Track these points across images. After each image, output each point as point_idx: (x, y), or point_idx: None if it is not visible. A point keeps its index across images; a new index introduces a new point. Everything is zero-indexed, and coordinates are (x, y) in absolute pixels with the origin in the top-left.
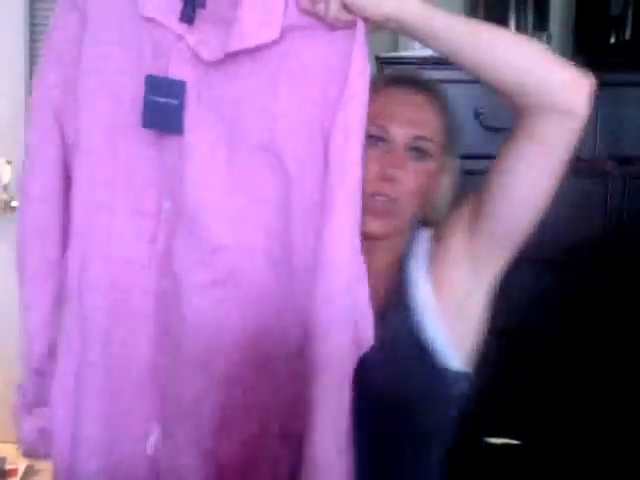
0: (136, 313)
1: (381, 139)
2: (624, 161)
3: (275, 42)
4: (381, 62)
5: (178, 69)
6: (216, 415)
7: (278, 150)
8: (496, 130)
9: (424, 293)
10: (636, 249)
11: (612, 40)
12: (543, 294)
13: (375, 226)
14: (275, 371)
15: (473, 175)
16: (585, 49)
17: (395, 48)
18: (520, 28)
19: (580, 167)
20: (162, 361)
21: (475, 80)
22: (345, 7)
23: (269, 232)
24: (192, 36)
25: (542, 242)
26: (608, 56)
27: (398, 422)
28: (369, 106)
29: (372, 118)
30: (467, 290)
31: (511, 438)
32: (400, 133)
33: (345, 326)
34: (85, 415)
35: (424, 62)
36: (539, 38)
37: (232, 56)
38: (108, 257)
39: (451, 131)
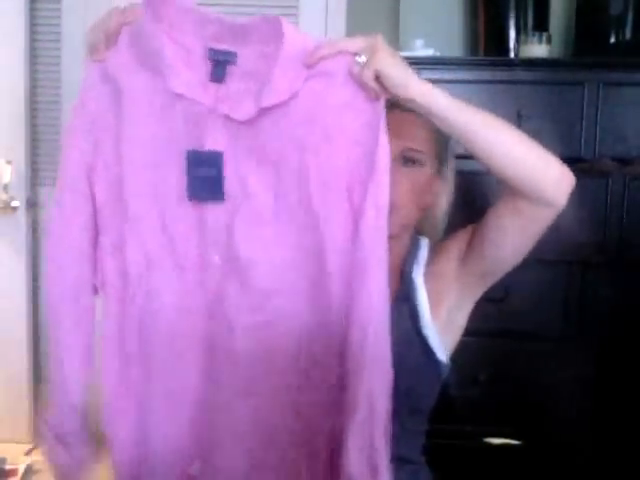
0: (187, 353)
1: None
2: (624, 161)
3: (298, 93)
4: None
5: (214, 138)
6: (261, 442)
7: (311, 206)
8: None
9: (422, 296)
10: (636, 249)
11: (612, 40)
12: (543, 294)
13: None
14: (316, 403)
15: (473, 175)
16: (585, 49)
17: (395, 48)
18: (520, 28)
19: (580, 167)
20: (211, 396)
21: (475, 80)
22: (377, 77)
23: (310, 279)
24: (223, 104)
25: (542, 242)
26: (608, 56)
27: (404, 400)
28: None
29: None
30: (455, 305)
31: (511, 438)
32: (391, 146)
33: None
34: (149, 440)
35: (424, 62)
36: (539, 38)
37: (264, 110)
38: (160, 308)
39: (441, 143)
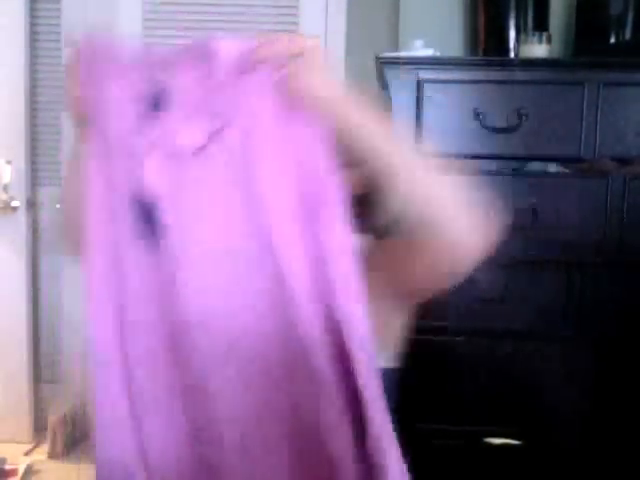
0: (167, 411)
1: None
2: (624, 161)
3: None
4: (381, 62)
5: (154, 176)
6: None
7: (264, 234)
8: (496, 130)
9: None
10: (636, 249)
11: (612, 40)
12: (543, 294)
13: None
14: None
15: (474, 176)
16: (585, 49)
17: (395, 48)
18: (520, 28)
19: (580, 167)
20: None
21: (475, 80)
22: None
23: (276, 319)
24: (163, 140)
25: (542, 242)
26: (608, 56)
27: None
28: None
29: None
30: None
31: (511, 438)
32: None
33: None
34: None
35: (424, 62)
36: (539, 38)
37: (208, 140)
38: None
39: None
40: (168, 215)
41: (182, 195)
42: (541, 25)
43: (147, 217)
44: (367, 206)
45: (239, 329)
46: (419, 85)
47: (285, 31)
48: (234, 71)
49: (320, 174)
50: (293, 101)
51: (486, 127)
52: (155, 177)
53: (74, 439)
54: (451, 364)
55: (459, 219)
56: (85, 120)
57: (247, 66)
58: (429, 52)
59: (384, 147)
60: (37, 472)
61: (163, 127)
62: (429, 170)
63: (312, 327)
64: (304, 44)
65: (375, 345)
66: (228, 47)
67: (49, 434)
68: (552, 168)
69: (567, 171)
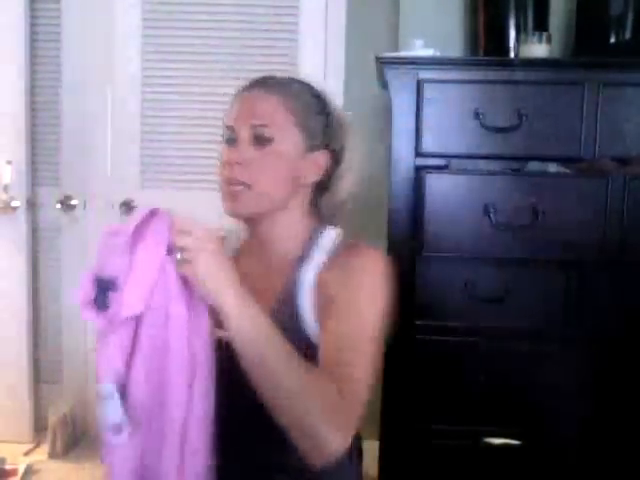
0: None
1: (233, 139)
2: (624, 161)
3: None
4: (381, 62)
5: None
6: None
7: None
8: (496, 130)
9: (308, 299)
10: (636, 249)
11: (612, 40)
12: (543, 294)
13: (231, 207)
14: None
15: (473, 175)
16: (585, 49)
17: (395, 48)
18: (520, 28)
19: (580, 167)
20: None
21: (475, 80)
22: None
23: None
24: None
25: (542, 242)
26: (608, 56)
27: None
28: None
29: (226, 120)
30: None
31: (511, 438)
32: (240, 126)
33: None
34: None
35: (424, 62)
36: (539, 38)
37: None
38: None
39: (309, 114)
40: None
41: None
42: (541, 25)
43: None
44: None
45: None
46: (419, 85)
47: (285, 31)
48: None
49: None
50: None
51: (486, 127)
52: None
53: (74, 439)
54: (451, 364)
55: (324, 430)
56: None
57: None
58: (429, 52)
59: (255, 349)
60: (37, 472)
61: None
62: (301, 380)
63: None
64: (193, 241)
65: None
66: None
67: (49, 434)
68: (552, 168)
69: (567, 171)
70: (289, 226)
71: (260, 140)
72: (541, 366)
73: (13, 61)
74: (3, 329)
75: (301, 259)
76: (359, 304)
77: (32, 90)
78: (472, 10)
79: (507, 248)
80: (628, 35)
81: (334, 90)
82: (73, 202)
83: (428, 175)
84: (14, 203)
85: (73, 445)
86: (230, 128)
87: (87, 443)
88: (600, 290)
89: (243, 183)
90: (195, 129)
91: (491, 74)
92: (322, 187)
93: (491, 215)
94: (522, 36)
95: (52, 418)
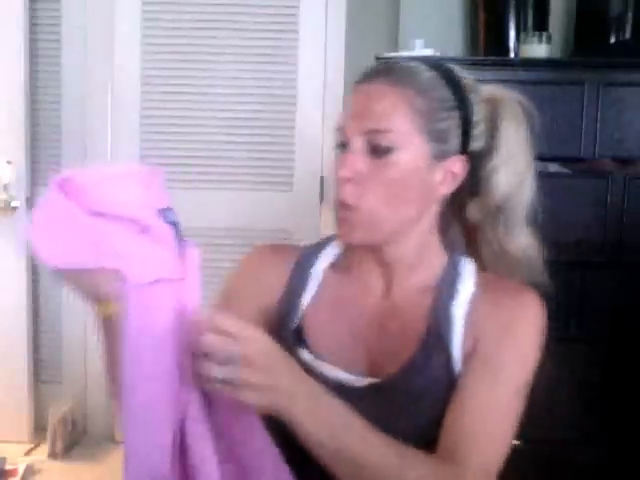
0: None
1: (344, 144)
2: (624, 161)
3: None
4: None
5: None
6: None
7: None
8: None
9: (459, 339)
10: (636, 249)
11: (612, 40)
12: (543, 294)
13: (344, 233)
14: None
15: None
16: (585, 49)
17: (395, 48)
18: (520, 28)
19: (580, 167)
20: None
21: (475, 80)
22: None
23: None
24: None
25: (542, 242)
26: (608, 56)
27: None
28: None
29: (337, 120)
30: None
31: None
32: (352, 130)
33: None
34: None
35: (424, 62)
36: (539, 38)
37: None
38: None
39: (439, 116)
40: None
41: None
42: (541, 25)
43: None
44: None
45: None
46: None
47: (285, 31)
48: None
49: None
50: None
51: None
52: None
53: (74, 439)
54: None
55: None
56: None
57: None
58: (429, 52)
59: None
60: (37, 472)
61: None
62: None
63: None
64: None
65: None
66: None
67: (49, 434)
68: (552, 168)
69: (567, 171)
70: (418, 249)
71: (376, 149)
72: (541, 366)
73: (13, 61)
74: (3, 329)
75: (441, 290)
76: (512, 360)
77: (32, 90)
78: (472, 10)
79: None
80: (628, 35)
81: (334, 90)
82: None
83: None
84: (14, 203)
85: (73, 445)
86: (342, 130)
87: (87, 443)
88: (600, 290)
89: (352, 205)
90: (195, 129)
91: (491, 74)
92: (460, 198)
93: None
94: (522, 36)
95: (52, 418)
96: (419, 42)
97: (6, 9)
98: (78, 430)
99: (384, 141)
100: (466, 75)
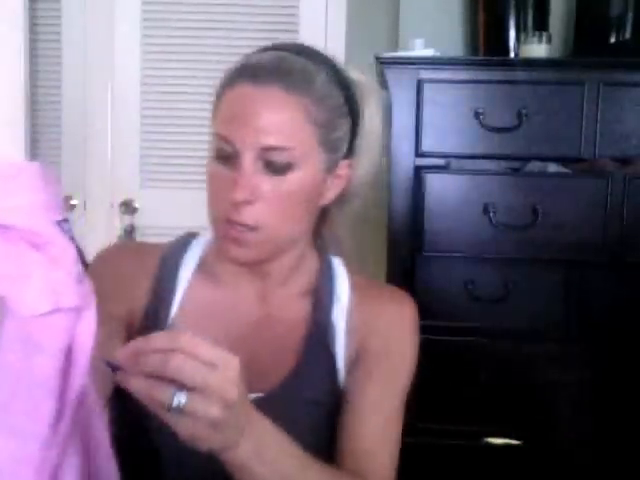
0: None
1: (228, 156)
2: (624, 161)
3: None
4: (381, 62)
5: None
6: None
7: None
8: (496, 130)
9: (342, 346)
10: (636, 249)
11: (612, 40)
12: (543, 294)
13: (238, 254)
14: None
15: (473, 175)
16: (585, 49)
17: (395, 48)
18: (520, 28)
19: (580, 167)
20: None
21: (475, 80)
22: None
23: None
24: None
25: (542, 242)
26: (608, 56)
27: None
28: (217, 112)
29: (219, 127)
30: None
31: (511, 438)
32: (246, 146)
33: None
34: None
35: (424, 62)
36: (539, 38)
37: None
38: None
39: (335, 125)
40: None
41: None
42: (541, 25)
43: None
44: None
45: None
46: (419, 85)
47: (285, 31)
48: None
49: None
50: None
51: (486, 127)
52: None
53: None
54: (451, 364)
55: None
56: None
57: None
58: (429, 52)
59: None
60: None
61: None
62: None
63: None
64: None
65: None
66: None
67: None
68: (552, 168)
69: (567, 171)
70: (298, 257)
71: (273, 165)
72: (541, 366)
73: (13, 61)
74: None
75: (320, 295)
76: (397, 366)
77: (32, 90)
78: (472, 10)
79: (507, 248)
80: (628, 35)
81: None
82: (73, 202)
83: (428, 175)
84: None
85: None
86: (226, 140)
87: None
88: (600, 290)
89: (251, 226)
90: (195, 129)
91: (491, 74)
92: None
93: (491, 215)
94: (522, 36)
95: None
96: (419, 42)
97: (6, 9)
98: None
99: (283, 158)
100: (351, 68)
